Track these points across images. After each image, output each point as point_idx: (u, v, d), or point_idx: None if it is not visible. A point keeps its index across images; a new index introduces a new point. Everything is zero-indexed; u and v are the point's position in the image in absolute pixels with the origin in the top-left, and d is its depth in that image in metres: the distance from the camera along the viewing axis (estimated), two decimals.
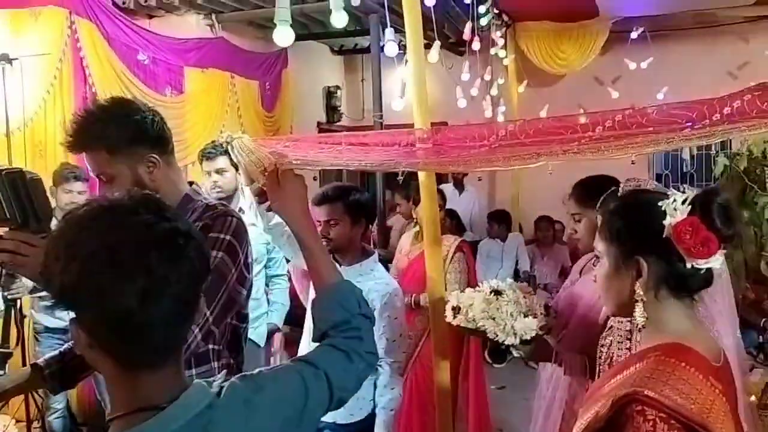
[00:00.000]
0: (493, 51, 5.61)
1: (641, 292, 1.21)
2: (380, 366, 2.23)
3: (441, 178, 7.44)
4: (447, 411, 2.40)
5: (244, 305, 1.71)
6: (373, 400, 2.26)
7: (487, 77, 5.57)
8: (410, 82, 2.36)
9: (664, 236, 1.17)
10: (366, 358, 1.21)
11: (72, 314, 0.88)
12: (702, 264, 1.15)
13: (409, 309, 3.22)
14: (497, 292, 2.14)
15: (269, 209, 1.46)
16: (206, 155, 3.08)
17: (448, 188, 6.96)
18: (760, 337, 3.91)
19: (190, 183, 1.74)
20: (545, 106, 4.95)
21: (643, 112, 1.23)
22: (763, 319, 4.23)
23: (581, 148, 1.23)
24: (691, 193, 1.20)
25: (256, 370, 1.06)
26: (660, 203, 1.19)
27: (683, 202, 1.17)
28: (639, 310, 1.22)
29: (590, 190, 2.01)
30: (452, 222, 6.45)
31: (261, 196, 1.46)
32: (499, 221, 6.13)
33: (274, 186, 1.41)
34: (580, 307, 2.17)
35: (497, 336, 2.08)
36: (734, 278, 3.87)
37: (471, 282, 3.39)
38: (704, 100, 1.22)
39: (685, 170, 6.92)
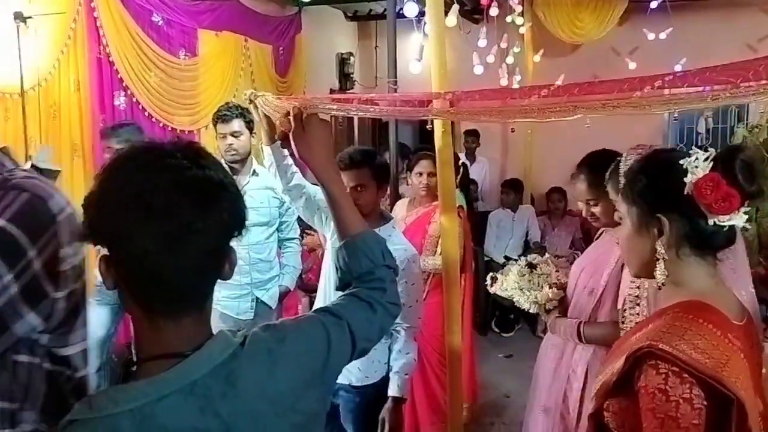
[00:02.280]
0: (509, 18, 5.52)
1: (662, 251, 1.21)
2: (396, 331, 2.26)
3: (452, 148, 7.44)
4: (458, 372, 2.43)
5: (52, 340, 1.12)
6: (388, 364, 2.29)
7: (504, 45, 5.49)
8: (429, 45, 2.34)
9: (685, 193, 1.17)
10: (389, 309, 1.21)
11: (104, 250, 0.88)
12: (725, 221, 1.15)
13: None
14: (532, 266, 2.28)
15: (292, 154, 1.42)
16: (221, 117, 3.08)
17: (461, 157, 6.94)
18: None
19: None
20: (561, 75, 4.88)
21: (686, 76, 1.21)
22: None
23: (620, 103, 1.21)
24: (713, 151, 1.19)
25: (279, 321, 1.06)
26: (681, 161, 1.19)
27: (705, 159, 1.17)
28: (660, 269, 1.23)
29: (601, 173, 1.99)
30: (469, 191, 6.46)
31: (284, 141, 1.42)
32: (514, 190, 6.12)
33: (298, 130, 1.36)
34: (582, 276, 2.21)
35: (523, 305, 2.22)
36: (748, 251, 3.88)
37: (466, 246, 3.45)
38: (748, 61, 1.19)
39: (700, 143, 6.84)
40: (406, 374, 2.25)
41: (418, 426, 3.47)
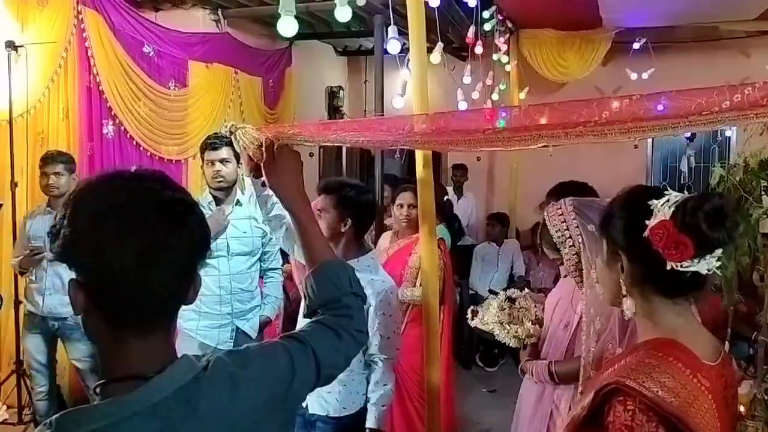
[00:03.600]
0: (495, 56, 5.65)
1: (625, 287, 1.23)
2: (374, 362, 2.26)
3: (440, 182, 7.53)
4: (436, 405, 2.43)
5: None
6: (365, 395, 2.29)
7: (489, 82, 5.61)
8: (411, 80, 2.40)
9: (644, 235, 1.16)
10: (356, 336, 1.21)
11: (73, 275, 0.90)
12: (684, 267, 1.13)
13: None
14: (511, 300, 2.31)
15: (264, 184, 1.47)
16: (210, 145, 3.11)
17: (448, 193, 7.00)
18: (750, 349, 3.93)
19: None
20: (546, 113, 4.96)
21: (651, 98, 1.24)
22: (754, 333, 4.24)
23: (584, 132, 1.24)
24: (684, 195, 1.17)
25: (244, 346, 1.06)
26: (650, 202, 1.17)
27: (669, 205, 1.15)
28: (625, 305, 1.23)
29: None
30: (454, 225, 6.50)
31: (257, 171, 1.47)
32: (500, 223, 6.17)
33: (269, 160, 1.40)
34: (557, 311, 2.24)
35: (503, 339, 2.24)
36: (727, 290, 3.91)
37: (446, 279, 3.47)
38: (714, 87, 1.21)
39: (683, 182, 6.95)
40: (384, 405, 2.25)
41: None
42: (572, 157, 5.44)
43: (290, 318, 4.13)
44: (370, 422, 2.24)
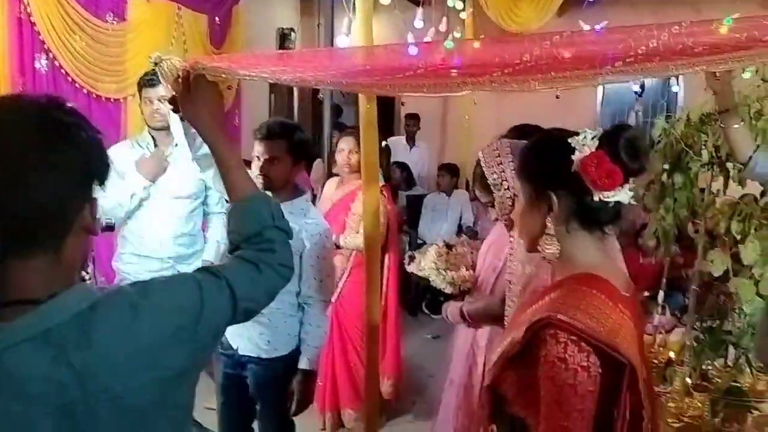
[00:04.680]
0: (450, 3, 5.53)
1: (551, 227, 1.26)
2: (307, 304, 2.26)
3: (392, 132, 7.47)
4: (375, 349, 2.44)
5: None
6: (298, 337, 2.29)
7: (443, 28, 5.50)
8: (356, 20, 2.32)
9: (572, 171, 1.21)
10: (278, 270, 1.19)
11: None
12: (609, 197, 1.20)
13: None
14: (449, 246, 2.30)
15: (182, 118, 1.42)
16: (148, 82, 2.96)
17: (400, 142, 6.96)
18: (685, 300, 4.08)
19: None
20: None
21: (578, 36, 1.23)
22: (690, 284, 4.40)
23: (506, 80, 1.22)
24: (600, 130, 1.24)
25: (150, 278, 1.04)
26: (570, 140, 1.23)
27: (592, 138, 1.22)
28: (548, 244, 1.27)
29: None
30: (402, 174, 6.49)
31: (174, 104, 1.41)
32: (450, 173, 6.18)
33: (184, 91, 1.36)
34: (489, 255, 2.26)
35: (439, 285, 2.25)
36: (664, 242, 4.03)
37: (390, 226, 3.46)
38: (643, 26, 1.22)
39: None
40: (317, 347, 2.27)
41: (339, 401, 3.50)
42: (524, 111, 5.43)
43: None
44: (303, 363, 2.25)
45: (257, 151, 2.31)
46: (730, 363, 3.89)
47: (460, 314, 2.18)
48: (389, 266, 3.42)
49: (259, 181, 2.34)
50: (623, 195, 1.21)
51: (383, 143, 5.97)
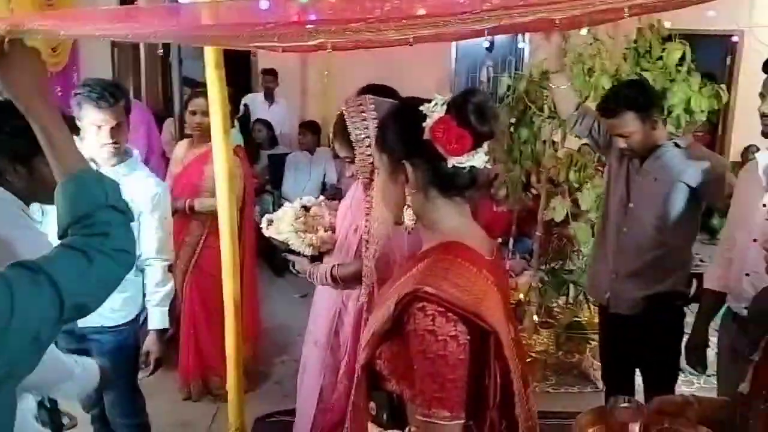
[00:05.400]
0: None
1: (410, 197, 1.26)
2: (148, 266, 2.24)
3: (250, 88, 7.22)
4: (237, 315, 2.40)
5: None
6: (143, 301, 2.27)
7: None
8: None
9: (424, 138, 1.21)
10: (114, 257, 1.08)
11: None
12: (464, 162, 1.21)
13: (182, 215, 3.17)
14: (306, 208, 2.27)
15: None
16: None
17: (258, 98, 6.77)
18: (534, 244, 4.38)
19: None
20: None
21: None
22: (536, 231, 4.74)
23: (357, 28, 1.19)
24: (450, 96, 1.25)
25: None
26: (421, 107, 1.23)
27: (442, 104, 1.22)
28: (407, 215, 1.28)
29: None
30: (266, 133, 6.32)
31: None
32: (311, 131, 6.12)
33: None
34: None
35: (298, 248, 2.23)
36: (512, 192, 4.30)
37: (246, 188, 3.41)
38: None
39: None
40: (166, 306, 2.26)
41: (204, 369, 3.45)
42: (383, 67, 5.46)
43: None
44: (154, 323, 2.27)
45: (98, 119, 2.19)
46: (571, 300, 4.30)
47: (330, 277, 2.18)
48: (246, 230, 3.36)
49: (108, 150, 2.22)
50: (477, 160, 1.23)
51: (242, 104, 5.78)
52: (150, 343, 2.29)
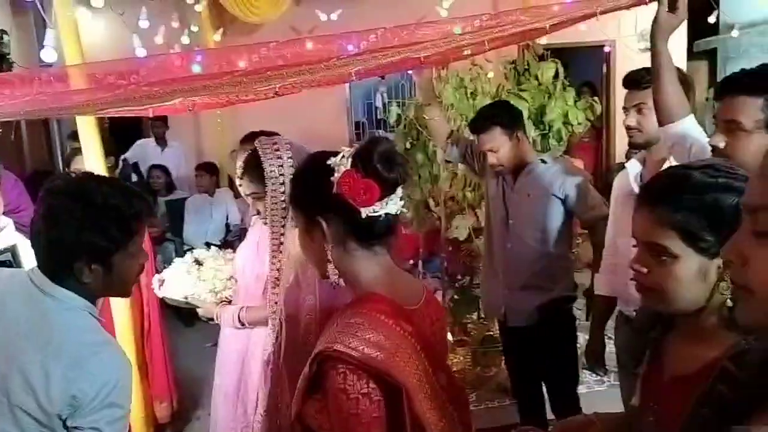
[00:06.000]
0: None
1: (329, 252, 1.24)
2: None
3: (141, 134, 6.96)
4: (142, 381, 2.29)
5: None
6: None
7: (176, 24, 5.24)
8: (59, 32, 2.08)
9: (334, 192, 1.20)
10: None
11: None
12: (378, 210, 1.21)
13: None
14: (199, 263, 2.20)
15: None
16: None
17: (150, 144, 6.54)
18: (444, 263, 4.44)
19: None
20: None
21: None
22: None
23: (215, 83, 1.17)
24: (356, 147, 1.24)
25: None
26: (329, 161, 1.22)
27: (347, 157, 1.21)
28: (330, 269, 1.26)
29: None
30: (163, 179, 6.08)
31: None
32: (209, 172, 5.97)
33: None
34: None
35: (198, 303, 2.16)
36: (415, 216, 4.36)
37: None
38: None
39: (378, 117, 7.51)
40: None
41: None
42: (279, 102, 5.39)
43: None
44: None
45: None
46: (483, 315, 4.39)
47: (238, 320, 2.14)
48: (146, 286, 3.21)
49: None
50: (391, 206, 1.23)
51: (121, 158, 5.50)
52: None
